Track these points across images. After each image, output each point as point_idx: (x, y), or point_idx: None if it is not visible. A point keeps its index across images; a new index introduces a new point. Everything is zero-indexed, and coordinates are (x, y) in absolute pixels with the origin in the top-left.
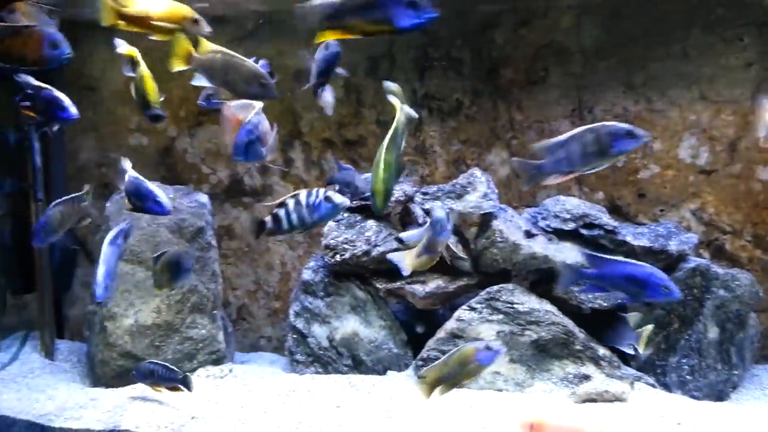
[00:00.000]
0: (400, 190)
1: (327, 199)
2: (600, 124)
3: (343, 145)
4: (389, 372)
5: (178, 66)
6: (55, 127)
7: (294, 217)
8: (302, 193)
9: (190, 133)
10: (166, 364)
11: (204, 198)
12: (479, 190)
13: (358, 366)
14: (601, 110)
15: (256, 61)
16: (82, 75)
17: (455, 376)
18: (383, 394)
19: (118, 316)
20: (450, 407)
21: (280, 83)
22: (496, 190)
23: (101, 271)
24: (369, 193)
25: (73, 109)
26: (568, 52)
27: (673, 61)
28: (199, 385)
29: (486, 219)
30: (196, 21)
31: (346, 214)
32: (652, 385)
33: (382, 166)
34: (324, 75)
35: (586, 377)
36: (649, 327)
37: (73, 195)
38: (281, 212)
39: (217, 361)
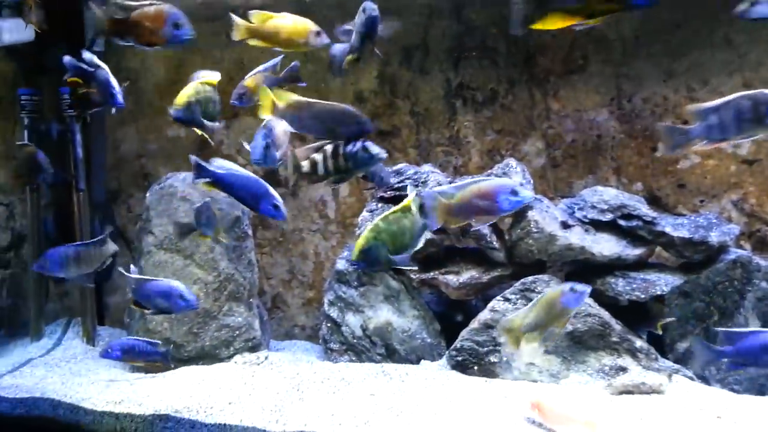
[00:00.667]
0: (434, 181)
1: (364, 149)
2: (759, 91)
3: (377, 136)
4: (423, 361)
5: (265, 115)
6: (94, 110)
7: (330, 163)
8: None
9: (226, 125)
10: (146, 339)
11: None
12: (514, 181)
13: (391, 355)
14: (641, 99)
15: (276, 67)
16: (121, 67)
17: (541, 324)
18: (416, 383)
19: None
20: (484, 397)
21: (314, 74)
22: (532, 180)
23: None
24: (395, 184)
25: (121, 97)
26: (607, 40)
27: (715, 48)
28: (236, 371)
29: (521, 209)
30: (318, 33)
31: (379, 205)
32: (691, 378)
33: (371, 226)
34: (365, 40)
35: (623, 369)
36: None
37: (96, 240)
38: (318, 157)
39: (253, 349)
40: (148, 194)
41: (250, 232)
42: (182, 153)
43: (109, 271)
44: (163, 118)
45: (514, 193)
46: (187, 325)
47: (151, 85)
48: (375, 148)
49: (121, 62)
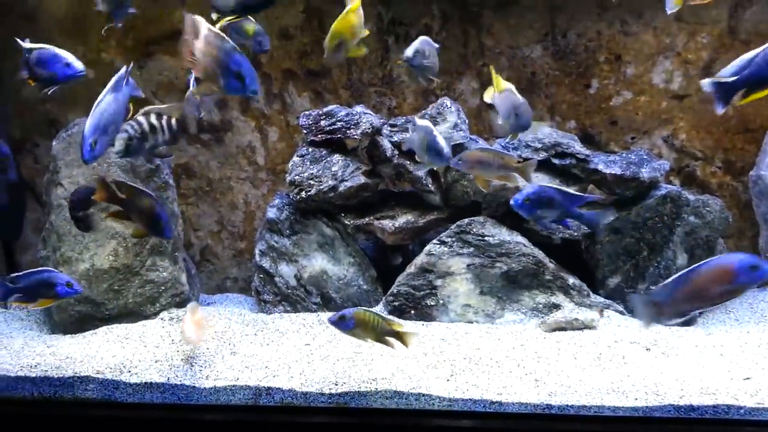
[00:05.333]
0: (367, 123)
1: None
2: None
3: (306, 76)
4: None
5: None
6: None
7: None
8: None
9: (140, 65)
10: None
11: None
12: (449, 121)
13: (327, 304)
14: (575, 34)
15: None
16: (16, 2)
17: None
18: None
19: (72, 261)
20: (420, 340)
21: None
22: (467, 121)
23: (88, 123)
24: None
25: (79, 65)
26: None
27: None
28: (163, 328)
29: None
30: None
31: (310, 149)
32: (621, 313)
33: None
34: None
35: (556, 306)
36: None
37: None
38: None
39: (181, 304)
40: (54, 143)
41: (171, 181)
42: (91, 96)
43: (19, 227)
44: None
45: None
46: (107, 282)
47: (53, 20)
48: None
49: None
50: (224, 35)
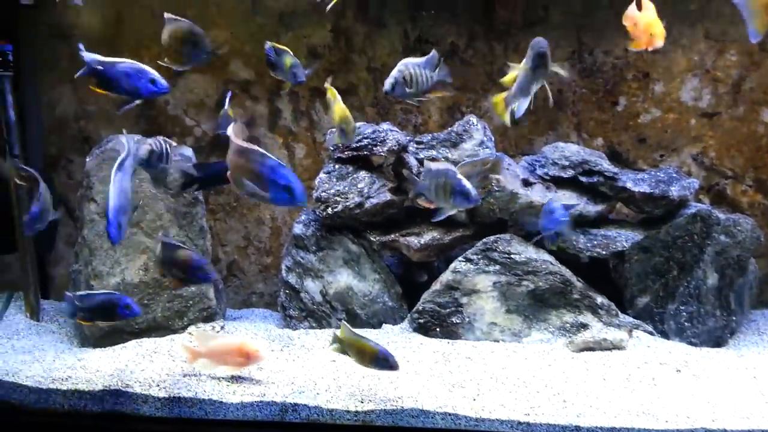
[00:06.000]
0: (393, 140)
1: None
2: None
3: None
4: (385, 325)
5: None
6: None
7: None
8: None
9: (171, 83)
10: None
11: (188, 151)
12: (475, 138)
13: (352, 320)
14: (602, 52)
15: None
16: (52, 22)
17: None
18: None
19: (104, 275)
20: (446, 359)
21: (263, 27)
22: (493, 138)
23: (111, 205)
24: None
25: (164, 82)
26: None
27: None
28: (191, 343)
29: None
30: None
31: (336, 166)
32: (651, 333)
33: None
34: None
35: (584, 326)
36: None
37: None
38: None
39: (208, 318)
40: (88, 159)
41: (201, 197)
42: (124, 115)
43: (52, 241)
44: None
45: None
46: (137, 296)
47: (88, 40)
48: None
49: (52, 15)
50: (263, 151)
